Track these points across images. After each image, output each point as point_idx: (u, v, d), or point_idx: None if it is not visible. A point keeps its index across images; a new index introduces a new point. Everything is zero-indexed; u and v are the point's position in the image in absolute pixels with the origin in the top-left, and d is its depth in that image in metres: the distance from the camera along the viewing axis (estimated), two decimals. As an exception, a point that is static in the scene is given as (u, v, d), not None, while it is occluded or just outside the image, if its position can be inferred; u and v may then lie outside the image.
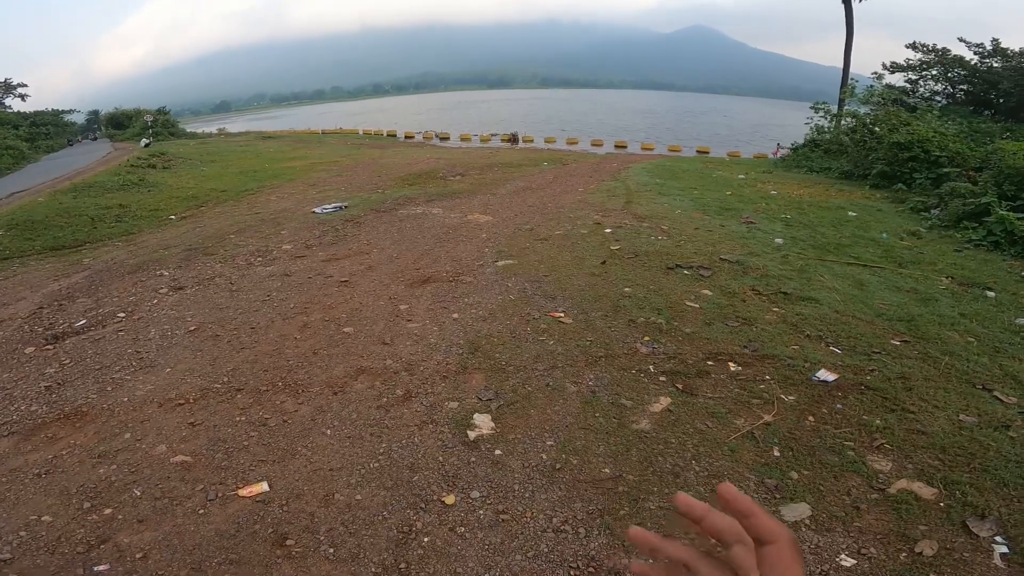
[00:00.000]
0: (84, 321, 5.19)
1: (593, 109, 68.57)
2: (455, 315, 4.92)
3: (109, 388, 3.94)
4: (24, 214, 10.14)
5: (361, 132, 37.27)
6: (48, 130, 34.88)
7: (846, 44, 22.13)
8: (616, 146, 26.92)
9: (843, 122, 16.19)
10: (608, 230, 7.49)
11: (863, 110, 15.29)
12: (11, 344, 4.79)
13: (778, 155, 20.04)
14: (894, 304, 4.94)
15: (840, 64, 22.68)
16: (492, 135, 31.40)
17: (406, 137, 33.70)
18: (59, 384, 4.06)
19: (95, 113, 47.67)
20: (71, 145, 34.34)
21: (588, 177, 12.89)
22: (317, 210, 9.72)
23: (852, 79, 18.66)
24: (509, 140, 28.65)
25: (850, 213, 8.73)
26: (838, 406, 3.39)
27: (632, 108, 72.68)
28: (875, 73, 17.58)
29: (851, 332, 4.35)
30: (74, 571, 2.42)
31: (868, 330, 4.41)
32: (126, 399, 3.78)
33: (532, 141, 29.07)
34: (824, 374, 3.71)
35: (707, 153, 23.61)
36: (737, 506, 0.42)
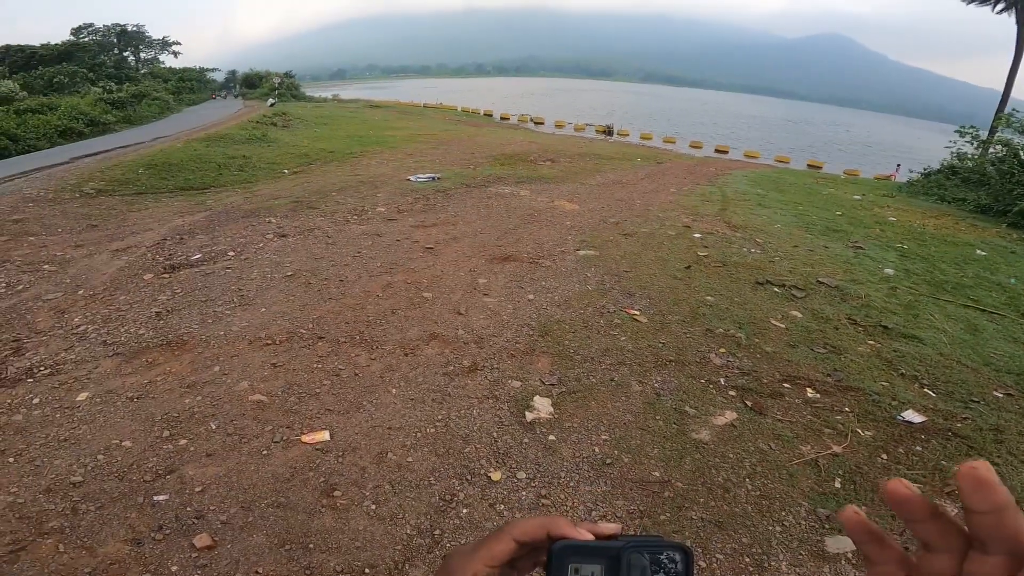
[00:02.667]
0: (199, 256, 5.76)
1: (696, 109, 65.64)
2: (531, 296, 4.97)
3: (210, 321, 4.32)
4: (163, 157, 11.39)
5: (460, 109, 38.09)
6: (192, 85, 38.93)
7: (1012, 66, 19.58)
8: (716, 150, 25.59)
9: (991, 150, 14.37)
10: (697, 235, 7.20)
11: (1018, 140, 13.47)
12: (133, 269, 5.36)
13: (897, 176, 18.30)
14: (1007, 355, 4.50)
15: (1000, 87, 20.12)
16: (587, 125, 30.93)
17: (502, 118, 34.05)
18: (168, 311, 4.46)
19: (233, 73, 52.45)
20: (213, 99, 38.33)
21: (683, 179, 12.41)
22: (412, 178, 10.13)
23: (1013, 107, 16.47)
24: (604, 132, 28.14)
25: (978, 252, 7.82)
26: (917, 448, 3.18)
27: (740, 112, 68.74)
28: None
29: (952, 377, 4.02)
30: (135, 499, 2.54)
31: (971, 377, 4.05)
32: (222, 333, 4.12)
33: (627, 135, 28.36)
34: (911, 415, 3.47)
35: (819, 168, 21.81)
36: (992, 497, 0.26)
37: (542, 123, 31.99)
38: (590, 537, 0.42)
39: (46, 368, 3.60)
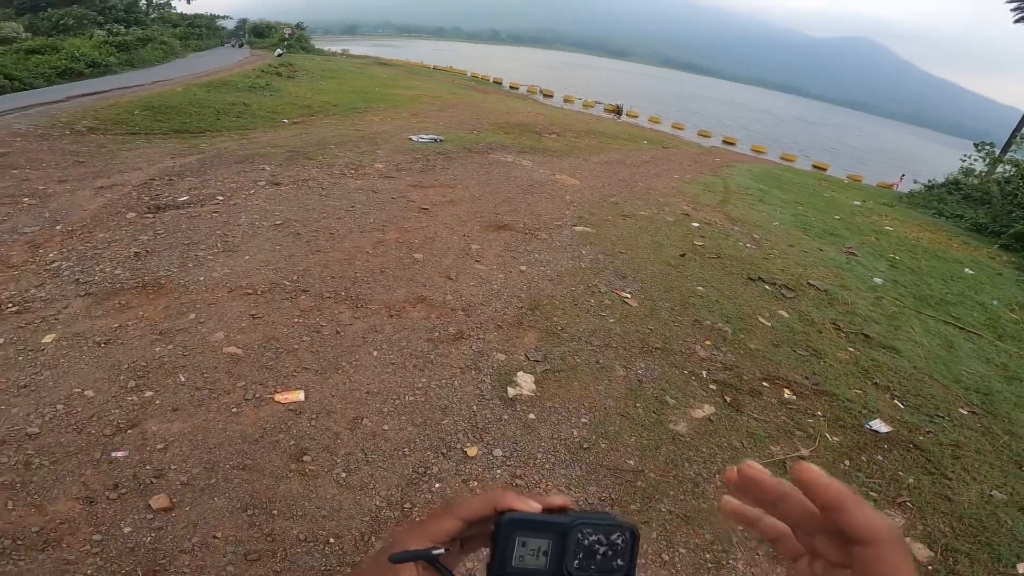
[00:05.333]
0: (186, 198, 5.59)
1: (710, 98, 64.71)
2: (523, 267, 4.92)
3: (190, 265, 4.17)
4: (161, 99, 11.03)
5: (469, 74, 37.19)
6: (201, 31, 37.86)
7: None
8: (724, 141, 25.27)
9: (999, 169, 14.32)
10: (695, 224, 7.13)
11: None
12: (116, 207, 5.15)
13: (899, 186, 18.28)
14: (977, 374, 4.58)
15: (1022, 105, 19.90)
16: (596, 103, 30.33)
17: (511, 87, 33.29)
18: (147, 252, 4.28)
19: (243, 21, 50.96)
20: (222, 46, 37.58)
21: (687, 166, 12.26)
22: (413, 138, 9.94)
23: None
24: (613, 111, 27.61)
25: (966, 270, 7.88)
26: (879, 457, 3.26)
27: (753, 106, 67.93)
28: None
29: (922, 391, 4.10)
30: (93, 454, 2.41)
31: (940, 393, 4.13)
32: (202, 278, 3.98)
33: (636, 117, 27.86)
34: (878, 424, 3.55)
35: (824, 170, 21.65)
36: (822, 495, 0.33)
37: (551, 96, 31.31)
38: (538, 509, 0.42)
39: (14, 305, 3.41)
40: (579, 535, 0.41)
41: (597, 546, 0.41)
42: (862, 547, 0.32)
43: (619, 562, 0.41)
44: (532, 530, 0.41)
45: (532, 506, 0.42)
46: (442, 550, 0.41)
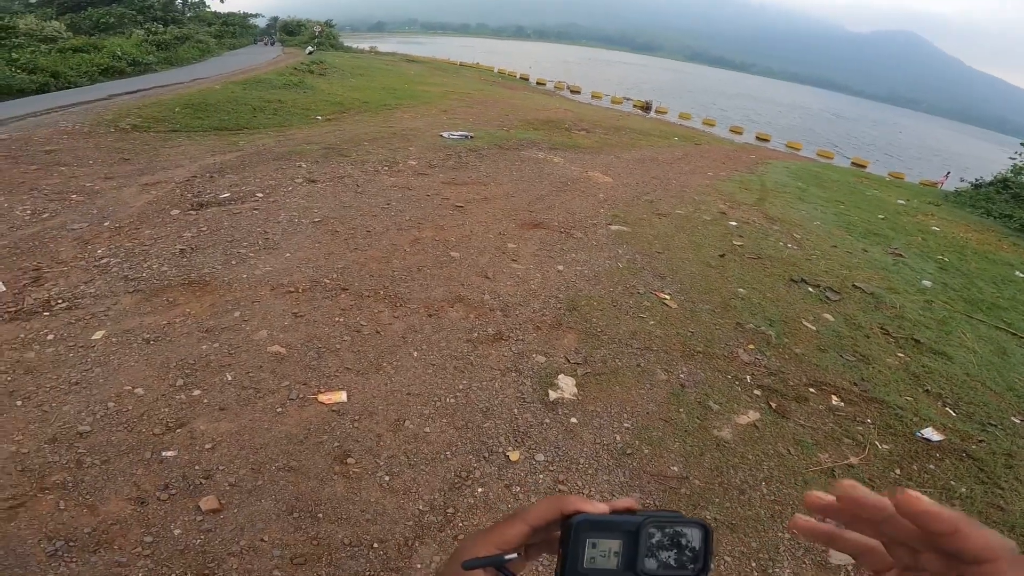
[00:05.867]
0: (228, 194, 5.69)
1: (741, 94, 63.27)
2: (560, 267, 4.87)
3: (233, 262, 4.21)
4: (200, 97, 11.30)
5: (496, 70, 37.15)
6: (234, 30, 38.80)
7: None
8: (758, 137, 24.67)
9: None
10: (733, 223, 6.96)
11: None
12: (161, 204, 5.25)
13: (944, 183, 17.60)
14: None
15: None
16: (625, 98, 29.97)
17: (537, 83, 33.15)
18: (192, 249, 4.33)
19: (275, 19, 52.03)
20: (255, 44, 38.50)
21: (720, 163, 12.00)
22: (445, 134, 9.96)
23: None
24: (642, 107, 27.27)
25: (1017, 273, 7.55)
26: (930, 466, 3.17)
27: (786, 102, 66.15)
28: None
29: (974, 398, 3.97)
30: (143, 454, 2.39)
31: (993, 400, 3.99)
32: (245, 276, 4.01)
33: (666, 113, 27.44)
34: (930, 432, 3.45)
35: (864, 167, 20.94)
36: (935, 523, 0.33)
37: (579, 91, 31.05)
38: (606, 510, 0.42)
39: (64, 301, 3.47)
40: (650, 534, 0.40)
41: (668, 544, 0.41)
42: (979, 566, 0.32)
43: (692, 558, 0.41)
44: (602, 531, 0.41)
45: (600, 508, 0.42)
46: (514, 555, 0.42)
